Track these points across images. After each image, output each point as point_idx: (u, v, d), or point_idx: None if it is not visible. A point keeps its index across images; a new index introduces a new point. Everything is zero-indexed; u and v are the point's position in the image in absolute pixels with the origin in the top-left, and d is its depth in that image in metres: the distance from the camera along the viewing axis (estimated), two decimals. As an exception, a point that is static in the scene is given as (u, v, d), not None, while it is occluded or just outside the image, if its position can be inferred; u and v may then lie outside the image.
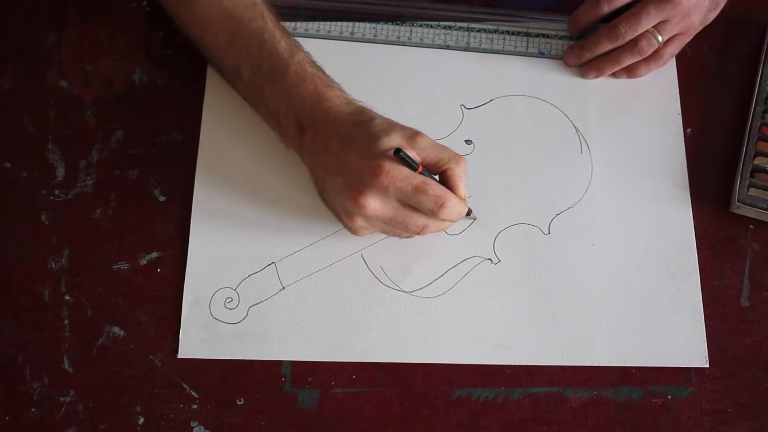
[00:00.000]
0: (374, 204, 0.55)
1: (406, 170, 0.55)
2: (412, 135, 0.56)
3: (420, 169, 0.56)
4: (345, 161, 0.56)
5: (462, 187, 0.57)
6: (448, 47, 0.70)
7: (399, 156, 0.54)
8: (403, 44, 0.70)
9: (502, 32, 0.70)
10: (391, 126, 0.57)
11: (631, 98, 0.68)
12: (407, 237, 0.60)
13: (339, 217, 0.59)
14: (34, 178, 0.66)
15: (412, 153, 0.56)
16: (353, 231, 0.59)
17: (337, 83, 0.61)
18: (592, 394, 0.59)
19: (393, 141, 0.55)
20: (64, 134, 0.67)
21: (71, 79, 0.69)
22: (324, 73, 0.61)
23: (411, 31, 0.70)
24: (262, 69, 0.60)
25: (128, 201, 0.65)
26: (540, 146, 0.66)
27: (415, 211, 0.56)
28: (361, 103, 0.60)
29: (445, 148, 0.57)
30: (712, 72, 0.69)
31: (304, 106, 0.59)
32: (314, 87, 0.59)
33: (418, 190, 0.54)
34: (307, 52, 0.62)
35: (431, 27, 0.70)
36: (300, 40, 0.64)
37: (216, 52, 0.64)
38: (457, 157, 0.57)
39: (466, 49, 0.70)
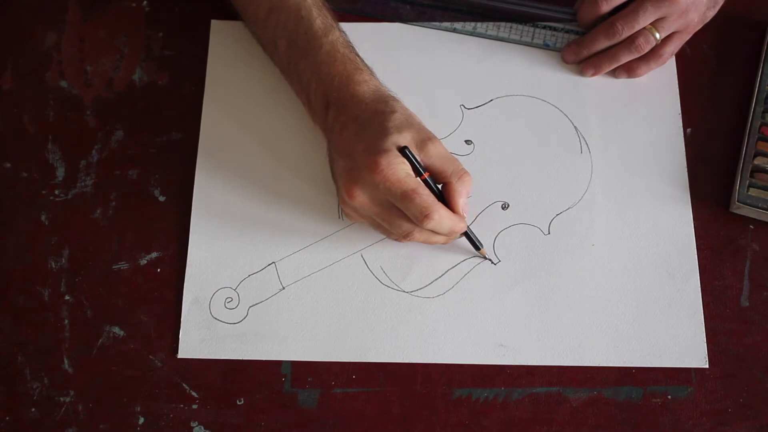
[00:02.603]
0: (363, 197, 0.56)
1: (401, 173, 0.54)
2: (425, 140, 0.56)
3: (426, 175, 0.56)
4: (353, 148, 0.56)
5: (460, 204, 0.57)
6: (454, 30, 0.70)
7: (404, 154, 0.54)
8: (409, 23, 0.71)
9: (509, 19, 0.70)
10: (408, 125, 0.57)
11: (631, 98, 0.68)
12: (395, 239, 0.60)
13: (339, 198, 0.60)
14: (34, 178, 0.66)
15: (418, 157, 0.56)
16: (345, 214, 0.61)
17: (368, 67, 0.62)
18: (592, 394, 0.59)
19: (402, 140, 0.55)
20: (64, 134, 0.67)
21: (71, 79, 0.69)
22: (357, 55, 0.62)
23: (419, 11, 0.71)
24: (297, 44, 0.61)
25: (128, 201, 0.65)
26: (540, 146, 0.66)
27: (402, 215, 0.56)
28: (390, 92, 0.60)
29: (453, 160, 0.57)
30: (712, 72, 0.69)
31: (333, 85, 0.59)
32: (344, 68, 0.60)
33: (406, 196, 0.54)
34: (343, 32, 0.63)
35: (439, 9, 0.71)
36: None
37: (257, 24, 0.65)
38: (462, 173, 0.57)
39: (472, 34, 0.70)
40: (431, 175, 0.57)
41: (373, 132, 0.56)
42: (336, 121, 0.59)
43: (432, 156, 0.57)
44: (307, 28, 0.61)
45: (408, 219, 0.56)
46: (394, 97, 0.60)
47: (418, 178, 0.56)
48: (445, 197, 0.57)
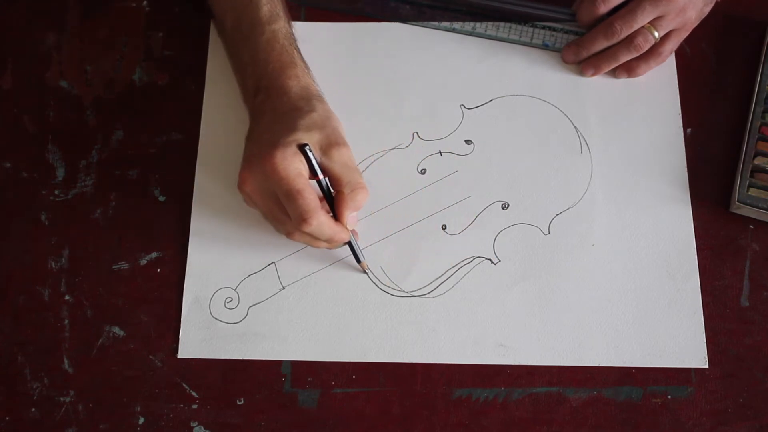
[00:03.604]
0: (252, 186, 0.56)
1: (293, 171, 0.54)
2: (332, 144, 0.56)
3: (320, 177, 0.56)
4: (261, 135, 0.57)
5: (345, 215, 0.56)
6: (454, 30, 0.70)
7: (303, 151, 0.54)
8: (408, 23, 0.71)
9: (509, 20, 0.70)
10: (320, 127, 0.57)
11: (631, 98, 0.68)
12: (284, 234, 0.59)
13: None
14: (34, 178, 0.66)
15: (318, 159, 0.56)
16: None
17: (305, 63, 0.62)
18: (592, 394, 0.59)
19: (307, 139, 0.56)
20: (64, 134, 0.67)
21: (71, 79, 0.69)
22: (296, 49, 0.63)
23: (418, 11, 0.71)
24: (241, 27, 0.63)
25: (128, 201, 0.65)
26: (540, 146, 0.66)
27: (285, 212, 0.56)
28: (319, 92, 0.61)
29: (354, 171, 0.57)
30: (712, 72, 0.69)
31: (266, 72, 0.60)
32: (279, 59, 0.61)
33: (290, 195, 0.54)
34: (289, 24, 0.64)
35: (438, 9, 0.71)
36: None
37: None
38: (357, 186, 0.57)
39: (472, 34, 0.70)
40: (330, 181, 0.57)
41: (284, 126, 0.56)
42: (260, 108, 0.60)
43: (334, 161, 0.56)
44: (253, 14, 0.62)
45: (289, 218, 0.56)
46: (320, 97, 0.60)
47: (312, 181, 0.56)
48: (335, 205, 0.57)
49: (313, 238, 0.57)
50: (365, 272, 0.61)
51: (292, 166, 0.54)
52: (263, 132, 0.58)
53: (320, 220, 0.54)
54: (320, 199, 0.56)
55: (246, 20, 0.63)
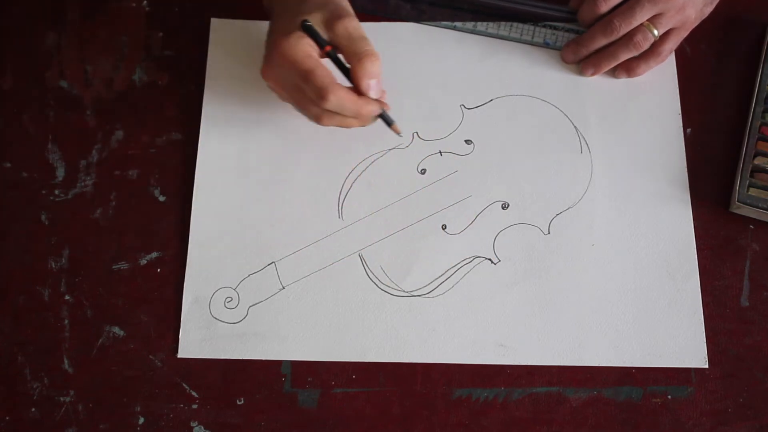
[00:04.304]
0: (272, 76, 0.57)
1: (300, 53, 0.54)
2: (335, 17, 0.56)
3: (327, 48, 0.55)
4: (273, 28, 0.58)
5: (364, 85, 0.55)
6: (455, 28, 0.70)
7: (304, 28, 0.54)
8: (409, 21, 0.71)
9: (510, 18, 0.70)
10: (323, 4, 0.56)
11: (631, 98, 0.68)
12: (314, 121, 0.59)
13: None
14: (34, 178, 0.66)
15: (325, 35, 0.55)
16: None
17: None
18: (592, 394, 0.59)
19: (313, 18, 0.55)
20: (64, 134, 0.67)
21: (71, 79, 0.69)
22: None
23: (418, 10, 0.71)
24: None
25: (128, 201, 0.65)
26: (540, 146, 0.66)
27: (309, 97, 0.56)
28: None
29: (361, 39, 0.56)
30: (712, 72, 0.69)
31: None
32: None
33: (303, 76, 0.54)
34: None
35: (438, 7, 0.71)
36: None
37: None
38: (369, 54, 0.55)
39: (472, 32, 0.70)
40: (343, 56, 0.56)
41: (290, 13, 0.57)
42: (273, 2, 0.60)
43: (338, 34, 0.56)
44: None
45: (314, 101, 0.56)
46: None
47: (320, 59, 0.55)
48: (352, 78, 0.56)
49: (343, 117, 0.57)
50: (399, 135, 0.61)
51: (299, 48, 0.54)
52: (274, 23, 0.58)
53: (338, 94, 0.54)
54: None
55: None
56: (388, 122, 0.60)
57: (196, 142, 0.66)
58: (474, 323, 0.61)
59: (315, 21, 0.56)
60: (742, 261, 0.63)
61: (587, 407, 0.59)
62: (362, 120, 0.58)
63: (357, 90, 0.56)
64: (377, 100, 0.58)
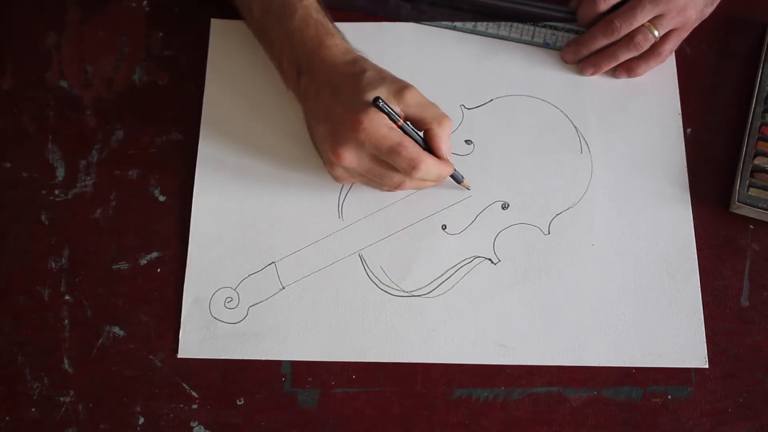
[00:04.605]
0: (350, 157, 0.57)
1: (384, 128, 0.55)
2: (400, 89, 0.57)
3: (400, 122, 0.56)
4: (331, 111, 0.57)
5: (443, 149, 0.58)
6: (455, 28, 0.70)
7: (378, 106, 0.55)
8: (409, 21, 0.71)
9: (510, 18, 0.70)
10: (381, 79, 0.58)
11: (631, 98, 0.68)
12: (387, 190, 0.62)
13: (324, 163, 0.61)
14: (34, 178, 0.66)
15: (396, 108, 0.57)
16: (334, 178, 0.61)
17: (339, 31, 0.62)
18: (592, 394, 0.59)
19: (379, 94, 0.56)
20: (64, 134, 0.67)
21: (71, 79, 0.69)
22: (329, 20, 0.62)
23: (418, 10, 0.71)
24: (271, 9, 0.62)
25: (128, 201, 0.65)
26: (540, 146, 0.66)
27: (391, 168, 0.57)
28: (360, 53, 0.61)
29: (432, 106, 0.58)
30: (712, 72, 0.69)
31: (305, 50, 0.60)
32: (316, 33, 0.60)
33: (392, 150, 0.55)
34: None
35: (438, 6, 0.71)
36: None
37: None
38: (441, 118, 0.58)
39: (472, 32, 0.70)
40: (412, 124, 0.58)
41: (349, 92, 0.57)
42: (309, 88, 0.60)
43: (410, 105, 0.57)
44: None
45: (397, 171, 0.57)
46: (362, 56, 0.61)
47: (400, 131, 0.57)
48: (428, 143, 0.58)
49: (423, 181, 0.59)
50: (468, 189, 0.64)
51: (381, 123, 0.55)
52: (331, 106, 0.58)
53: (427, 162, 0.56)
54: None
55: (276, 2, 0.62)
56: (458, 180, 0.63)
57: (196, 142, 0.66)
58: (474, 323, 0.61)
59: (383, 95, 0.56)
60: (742, 261, 0.63)
61: (587, 407, 0.59)
62: (439, 182, 0.61)
63: (436, 154, 0.58)
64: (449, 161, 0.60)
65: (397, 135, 0.56)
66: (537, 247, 0.63)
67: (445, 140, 0.58)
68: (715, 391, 0.59)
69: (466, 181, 0.64)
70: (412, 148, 0.56)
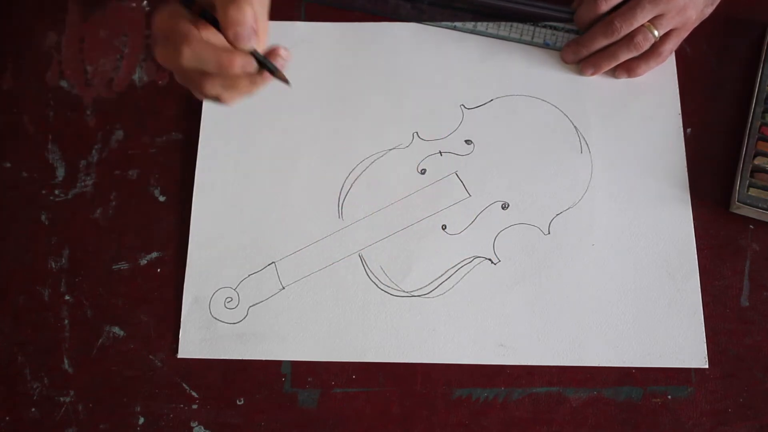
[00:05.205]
0: (160, 55, 0.50)
1: (167, 16, 0.48)
2: None
3: (195, 8, 0.49)
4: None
5: (230, 34, 0.47)
6: (455, 28, 0.70)
7: None
8: (409, 21, 0.71)
9: (510, 19, 0.70)
10: None
11: (631, 98, 0.68)
12: (203, 98, 0.52)
13: None
14: (34, 178, 0.66)
15: None
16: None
17: None
18: (592, 394, 0.59)
19: None
20: (64, 134, 0.67)
21: (71, 79, 0.69)
22: None
23: (418, 10, 0.71)
24: None
25: (128, 201, 0.65)
26: (540, 146, 0.66)
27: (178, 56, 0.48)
28: None
29: None
30: (712, 72, 0.69)
31: None
32: None
33: (166, 37, 0.48)
34: None
35: (438, 6, 0.71)
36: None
37: None
38: (235, 1, 0.47)
39: (472, 32, 0.70)
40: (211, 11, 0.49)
41: None
42: None
43: None
44: None
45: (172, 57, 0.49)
46: None
47: (185, 19, 0.49)
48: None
49: (225, 80, 0.49)
50: (287, 83, 0.51)
51: (165, 13, 0.49)
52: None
53: (194, 46, 0.47)
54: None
55: None
56: (271, 70, 0.50)
57: (196, 142, 0.66)
58: (474, 323, 0.61)
59: None
60: (742, 261, 0.63)
61: (587, 407, 0.59)
62: (228, 71, 0.48)
63: (228, 40, 0.48)
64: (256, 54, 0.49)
65: (172, 22, 0.48)
66: (537, 247, 0.63)
67: (226, 25, 0.47)
68: (715, 391, 0.59)
69: (282, 73, 0.51)
70: (180, 33, 0.47)
